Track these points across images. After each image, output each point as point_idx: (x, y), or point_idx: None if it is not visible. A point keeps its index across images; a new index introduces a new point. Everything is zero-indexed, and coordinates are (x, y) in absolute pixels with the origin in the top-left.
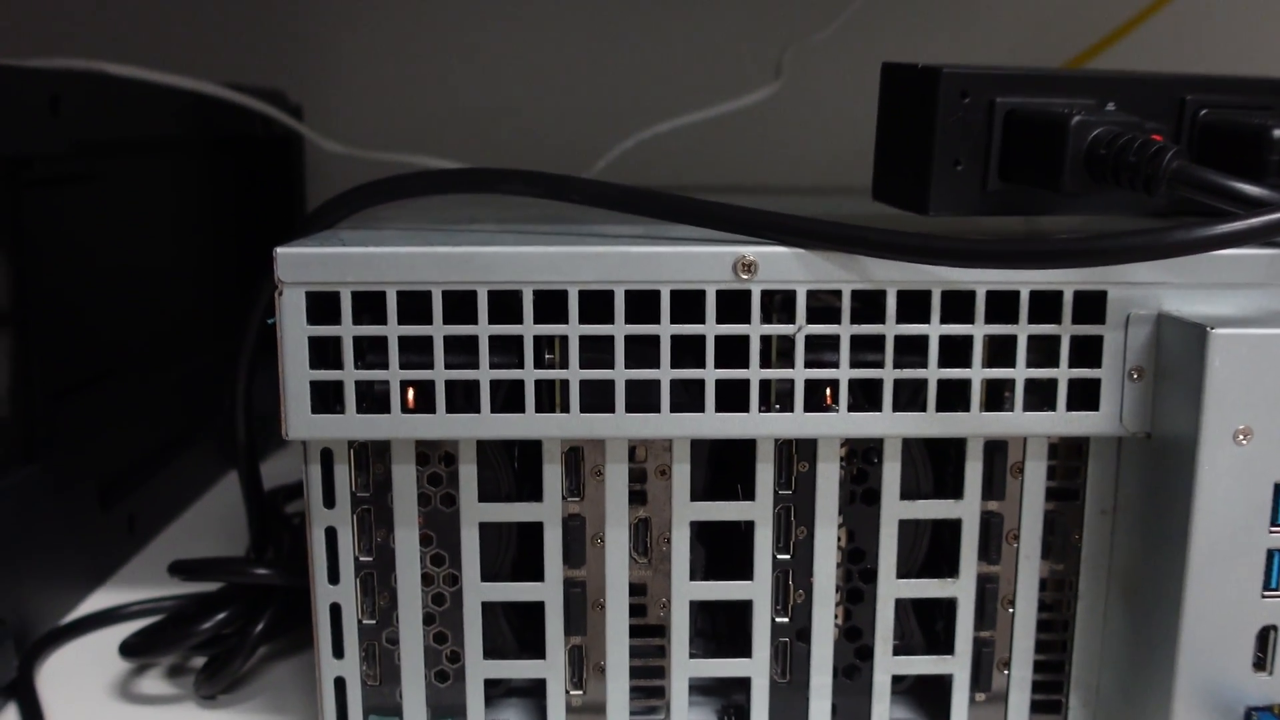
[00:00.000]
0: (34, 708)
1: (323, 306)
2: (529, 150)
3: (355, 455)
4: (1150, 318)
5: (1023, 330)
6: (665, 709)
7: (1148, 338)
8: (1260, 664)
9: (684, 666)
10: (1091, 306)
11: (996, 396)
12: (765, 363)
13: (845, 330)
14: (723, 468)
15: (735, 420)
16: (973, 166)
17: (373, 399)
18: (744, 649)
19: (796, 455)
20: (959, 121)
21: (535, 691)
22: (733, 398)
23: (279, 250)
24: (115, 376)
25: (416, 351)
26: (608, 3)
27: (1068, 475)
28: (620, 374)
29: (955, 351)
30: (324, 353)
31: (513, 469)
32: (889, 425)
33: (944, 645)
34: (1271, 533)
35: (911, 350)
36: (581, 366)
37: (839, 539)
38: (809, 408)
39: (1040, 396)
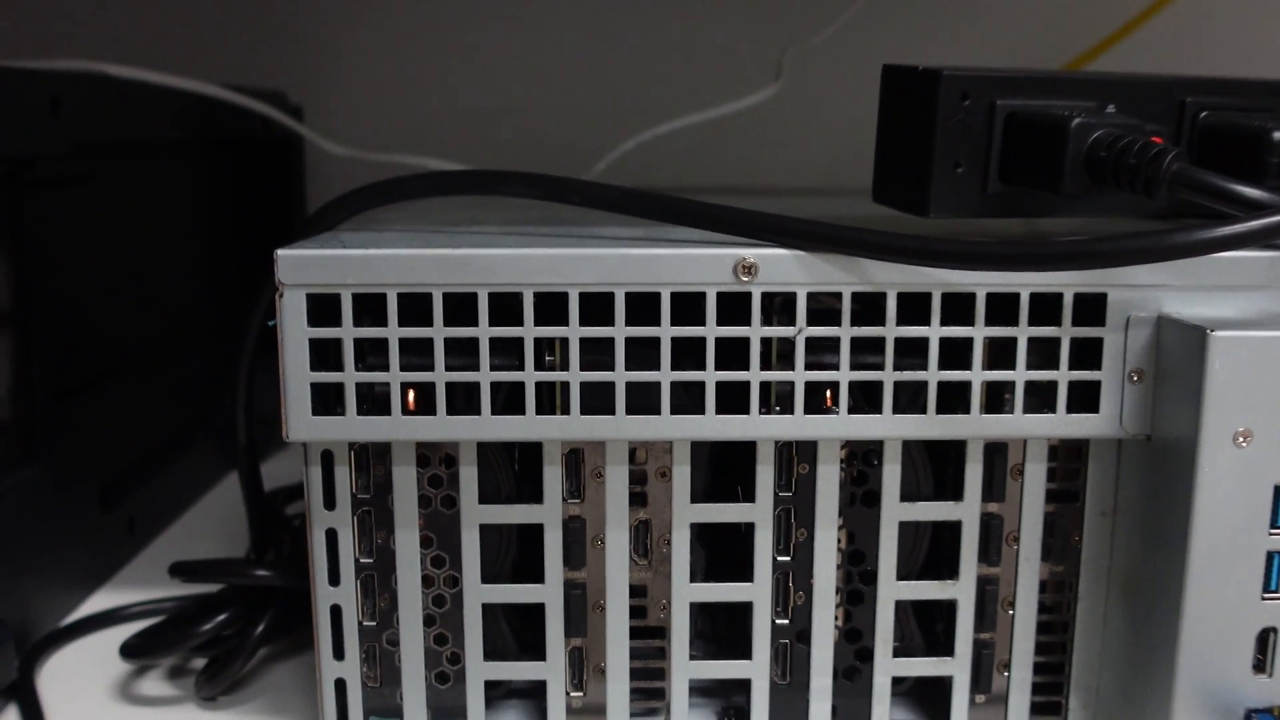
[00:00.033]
0: (34, 709)
1: (323, 308)
2: (529, 151)
3: (356, 457)
4: (1150, 320)
5: (1023, 332)
6: (665, 710)
7: (1148, 340)
8: (1260, 666)
9: (684, 668)
10: (1091, 309)
11: (996, 399)
12: (765, 365)
13: (845, 332)
14: (723, 470)
15: (735, 422)
16: (973, 169)
17: (373, 401)
18: (744, 651)
19: (797, 457)
20: (959, 124)
21: (535, 693)
22: (733, 400)
23: (279, 252)
24: (116, 377)
25: (417, 353)
26: (608, 4)
27: (1068, 477)
28: (620, 376)
29: (955, 354)
30: (324, 355)
31: (513, 471)
32: (889, 427)
33: (944, 647)
34: (1271, 535)
35: (912, 352)
36: (582, 368)
37: (839, 541)
38: (809, 410)
39: (1040, 399)
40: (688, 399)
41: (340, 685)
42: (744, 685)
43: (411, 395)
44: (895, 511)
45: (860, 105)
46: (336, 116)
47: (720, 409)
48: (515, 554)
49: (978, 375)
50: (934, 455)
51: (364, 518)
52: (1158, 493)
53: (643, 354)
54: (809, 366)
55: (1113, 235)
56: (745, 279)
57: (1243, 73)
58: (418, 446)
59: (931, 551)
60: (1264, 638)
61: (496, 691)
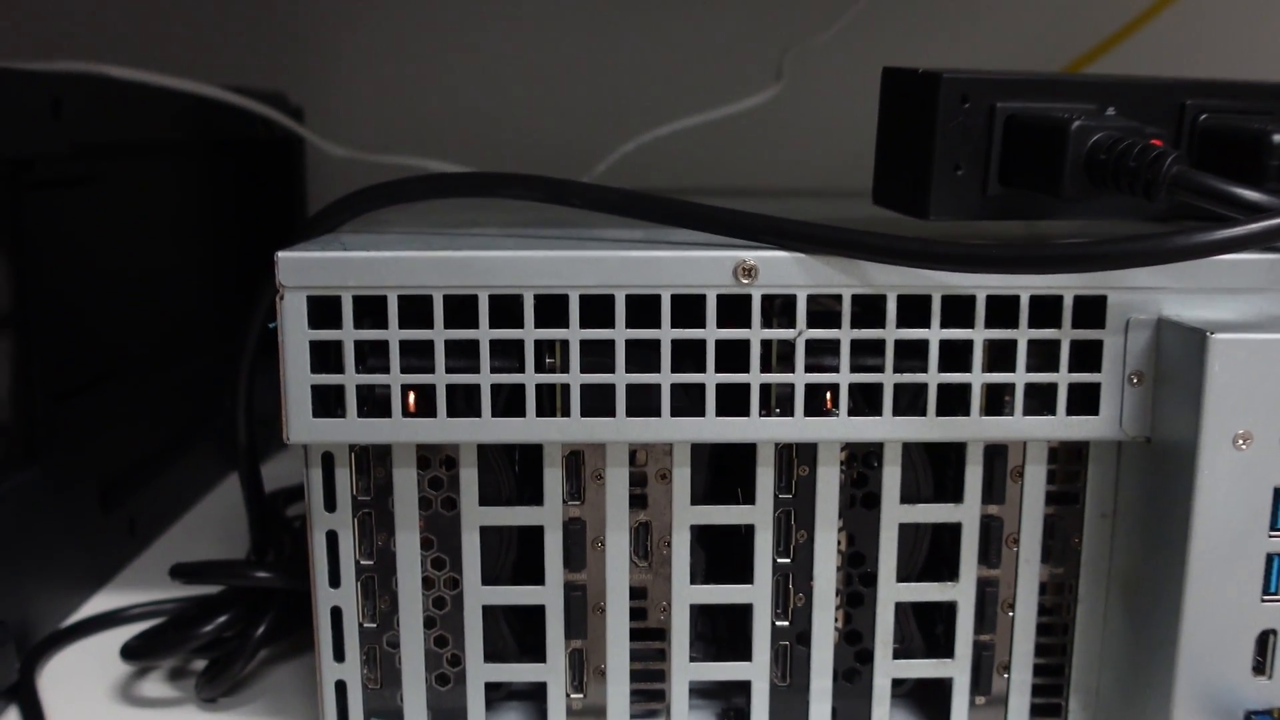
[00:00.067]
0: (35, 711)
1: (324, 310)
2: (530, 152)
3: (356, 459)
4: (1150, 322)
5: (1023, 335)
6: (665, 712)
7: (1147, 342)
8: (1260, 668)
9: (684, 670)
10: (1091, 311)
11: (996, 401)
12: (765, 367)
13: (845, 335)
14: (723, 472)
15: (736, 424)
16: (973, 171)
17: (374, 403)
18: (744, 652)
19: (797, 459)
20: (959, 126)
21: (536, 695)
22: (733, 402)
23: (280, 254)
24: (116, 379)
25: (417, 355)
26: (609, 5)
27: (1068, 479)
28: (621, 378)
29: (955, 356)
30: (325, 357)
31: (513, 473)
32: (889, 430)
33: (944, 648)
34: (1271, 537)
35: (912, 355)
36: (582, 371)
37: (839, 543)
38: (809, 412)
39: (1040, 401)
40: (688, 401)
41: (341, 687)
42: (744, 687)
43: (412, 397)
44: (895, 513)
45: (860, 107)
46: (337, 118)
47: (720, 411)
48: (516, 556)
49: (978, 377)
50: (934, 457)
51: (364, 520)
52: (1158, 495)
53: (643, 356)
54: (809, 369)
55: (1113, 238)
56: (745, 281)
57: (1242, 75)
58: (418, 448)
59: (931, 553)
60: (1263, 640)
61: (497, 693)
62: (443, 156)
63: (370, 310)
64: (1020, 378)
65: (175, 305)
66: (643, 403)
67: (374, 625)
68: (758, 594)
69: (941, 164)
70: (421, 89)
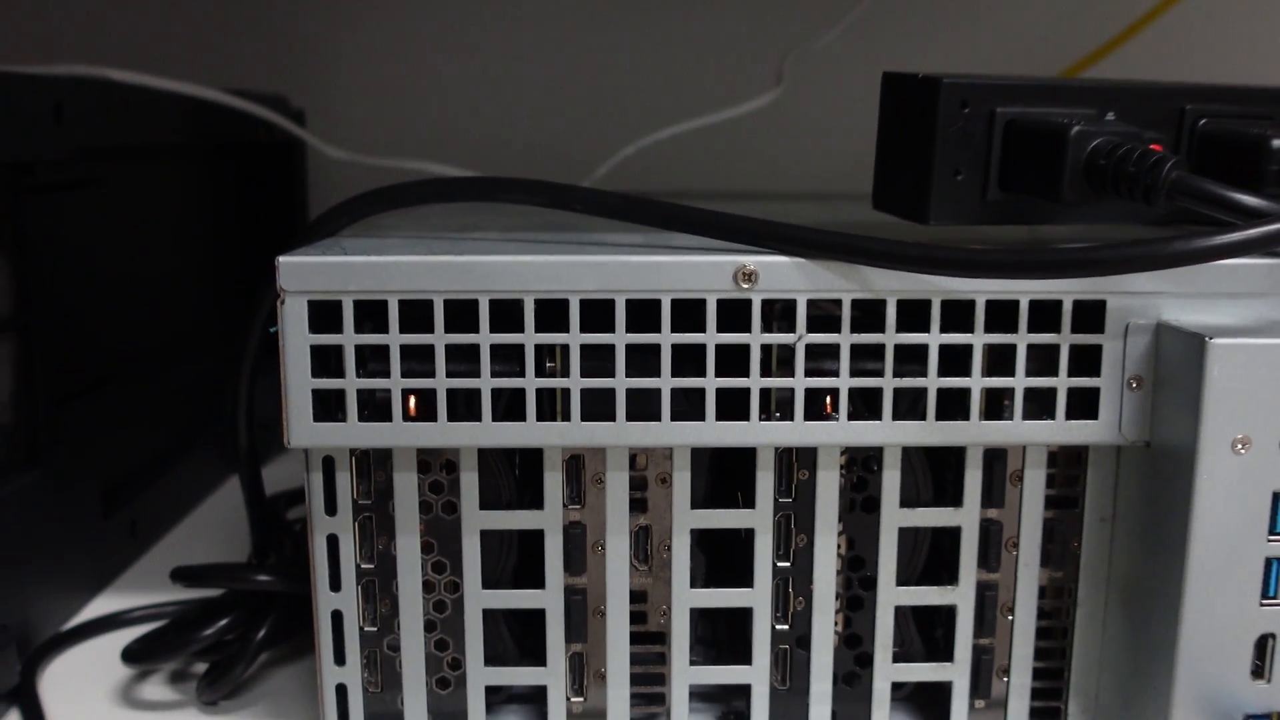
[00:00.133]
0: (36, 714)
1: (325, 315)
2: (531, 156)
3: (357, 463)
4: (1149, 327)
5: (1022, 339)
6: (666, 716)
7: (1147, 347)
8: (1258, 672)
9: (684, 674)
10: (1091, 316)
11: (996, 405)
12: (765, 371)
13: (845, 339)
14: (723, 475)
15: (735, 429)
16: (973, 176)
17: (374, 407)
18: (744, 656)
19: (796, 463)
20: (959, 131)
21: (536, 698)
22: (733, 406)
23: (281, 259)
24: (117, 382)
25: (418, 360)
26: (609, 8)
27: (1067, 483)
28: (621, 383)
29: (955, 360)
30: (326, 361)
31: (514, 477)
32: (889, 434)
33: (944, 652)
34: (1270, 541)
35: (911, 359)
36: (582, 375)
37: (839, 547)
38: (809, 416)
39: (1039, 405)
40: (688, 405)
41: (341, 690)
42: (744, 690)
43: (412, 401)
44: (895, 517)
45: (860, 111)
46: (338, 121)
47: (720, 415)
48: (516, 560)
49: (977, 382)
50: (933, 461)
51: (365, 523)
52: (1157, 499)
53: (643, 361)
54: (809, 373)
55: (1112, 243)
56: (745, 286)
57: (1242, 79)
58: (419, 452)
59: (931, 557)
60: (1262, 644)
61: (497, 697)
62: (443, 159)
63: (371, 315)
64: (1020, 382)
65: (176, 308)
66: (643, 407)
67: (374, 629)
68: (758, 598)
69: (941, 169)
70: (422, 92)
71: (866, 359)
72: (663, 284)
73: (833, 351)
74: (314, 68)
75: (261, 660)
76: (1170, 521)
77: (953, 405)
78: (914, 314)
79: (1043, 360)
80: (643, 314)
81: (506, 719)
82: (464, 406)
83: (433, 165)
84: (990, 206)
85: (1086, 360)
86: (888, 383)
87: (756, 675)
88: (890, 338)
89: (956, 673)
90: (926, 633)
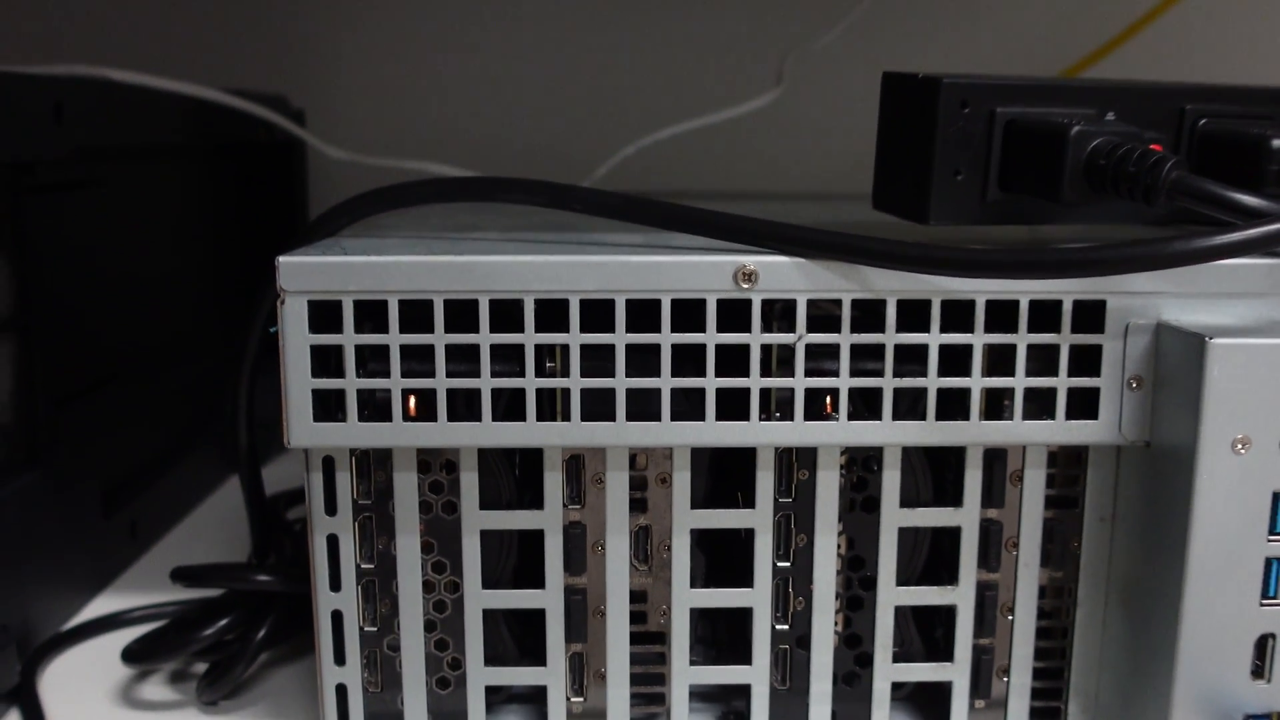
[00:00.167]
0: (36, 714)
1: (325, 315)
2: (531, 155)
3: (357, 463)
4: (1149, 327)
5: (1022, 339)
6: (666, 716)
7: (1146, 347)
8: (1258, 672)
9: (684, 674)
10: (1090, 316)
11: (996, 405)
12: (765, 371)
13: (845, 339)
14: (723, 475)
15: (735, 429)
16: (973, 176)
17: (374, 407)
18: (744, 656)
19: (796, 463)
20: (959, 131)
21: (536, 698)
22: (733, 406)
23: (281, 259)
24: (117, 382)
25: (418, 360)
26: (610, 8)
27: (1067, 483)
28: (621, 383)
29: (955, 360)
30: (326, 361)
31: (514, 477)
32: (889, 434)
33: (944, 652)
34: (1270, 541)
35: (911, 359)
36: (582, 375)
37: (839, 546)
38: (809, 416)
39: (1039, 405)
40: (688, 405)
41: (341, 690)
42: (744, 690)
43: (412, 401)
44: (895, 517)
45: (860, 111)
46: (338, 121)
47: (720, 415)
48: (516, 560)
49: (977, 382)
50: (933, 461)
51: (365, 523)
52: (1157, 499)
53: (643, 360)
54: (809, 373)
55: (1112, 243)
56: (745, 286)
57: (1242, 79)
58: (419, 452)
59: (931, 557)
60: (1262, 644)
61: (497, 697)
62: (443, 159)
63: (371, 315)
64: (1020, 382)
65: (176, 308)
66: (643, 407)
67: (374, 629)
68: (758, 598)
69: (941, 169)
70: (422, 92)
71: (866, 359)
72: (663, 284)
73: (833, 351)
74: (314, 68)
75: (261, 660)
76: (1170, 521)
77: (953, 405)
78: (914, 314)
79: (1043, 360)
80: (643, 314)
81: (506, 719)
82: (464, 406)
83: (433, 165)
84: (990, 206)
85: (1086, 360)
86: (888, 383)
87: (756, 675)
88: (890, 338)
89: (956, 673)
90: (926, 633)
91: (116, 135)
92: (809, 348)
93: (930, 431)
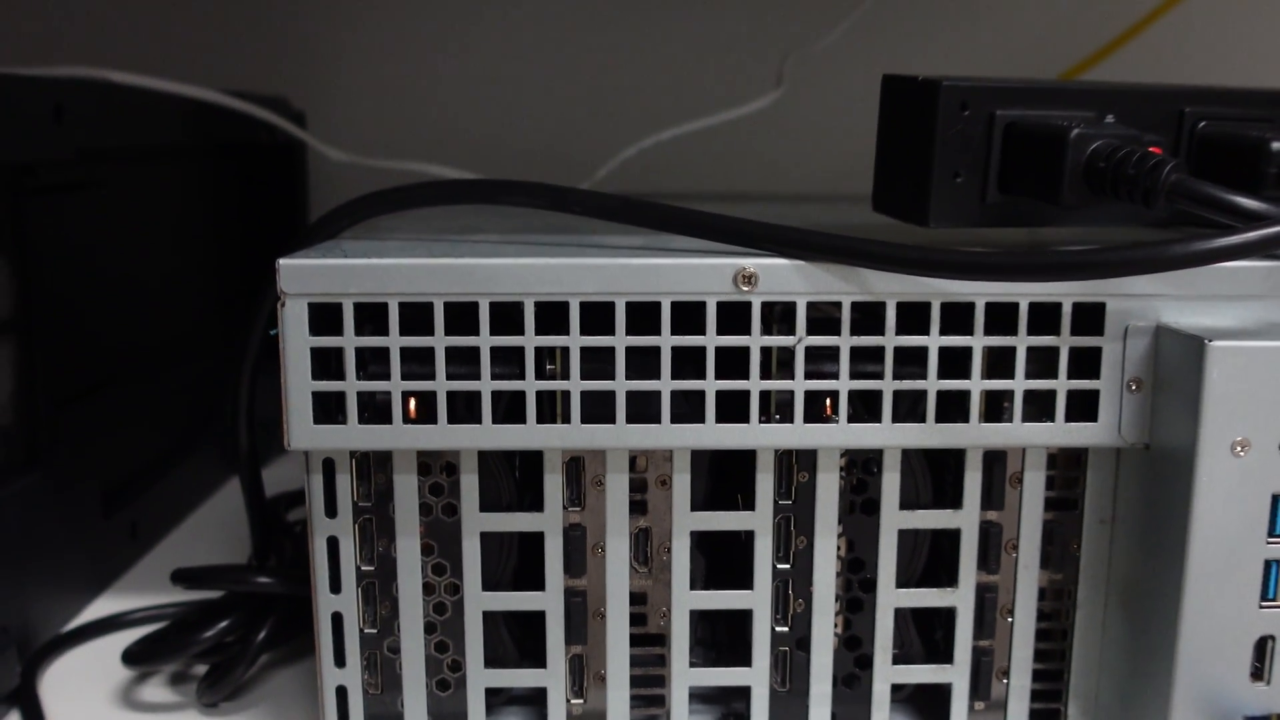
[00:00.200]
0: (37, 716)
1: (325, 317)
2: (531, 157)
3: (357, 465)
4: (1149, 329)
5: (1022, 342)
6: (666, 717)
7: (1146, 349)
8: (1258, 674)
9: (684, 675)
10: (1090, 318)
11: (996, 407)
12: (765, 374)
13: (845, 342)
14: (723, 478)
15: (735, 431)
16: (972, 179)
17: (374, 409)
18: (744, 658)
19: (796, 465)
20: (959, 134)
21: (536, 700)
22: (733, 408)
23: (281, 262)
24: (118, 383)
25: (418, 362)
26: (610, 9)
27: (1066, 485)
28: (621, 385)
29: (954, 363)
30: (326, 363)
31: (514, 479)
32: (888, 436)
33: (943, 654)
34: (1269, 543)
35: (911, 361)
36: (582, 377)
37: (839, 548)
38: (809, 418)
39: (1039, 407)
40: (688, 407)
41: (341, 692)
42: (744, 692)
43: (413, 404)
44: (895, 519)
45: (861, 112)
46: (339, 122)
47: (720, 418)
48: (516, 562)
49: (977, 384)
50: (933, 463)
51: (365, 525)
52: (1156, 501)
53: (643, 363)
54: (809, 375)
55: (1111, 246)
56: (745, 289)
57: (1241, 82)
58: (419, 455)
59: (931, 559)
60: (1261, 645)
61: (497, 699)
62: (444, 161)
63: (371, 317)
64: (1019, 384)
65: (177, 309)
66: (643, 409)
67: (374, 631)
68: (757, 599)
69: (941, 171)
70: (423, 94)
71: (866, 361)
72: (663, 286)
73: (832, 354)
74: (315, 69)
75: (262, 662)
76: (1170, 523)
77: (952, 407)
78: (914, 316)
79: (1042, 362)
80: (643, 316)
81: None
82: (464, 409)
83: (433, 167)
84: (990, 209)
85: (1086, 362)
86: (887, 385)
87: (756, 677)
88: (890, 340)
89: (956, 674)
90: (926, 634)
91: (117, 136)
92: (809, 350)
93: (930, 434)
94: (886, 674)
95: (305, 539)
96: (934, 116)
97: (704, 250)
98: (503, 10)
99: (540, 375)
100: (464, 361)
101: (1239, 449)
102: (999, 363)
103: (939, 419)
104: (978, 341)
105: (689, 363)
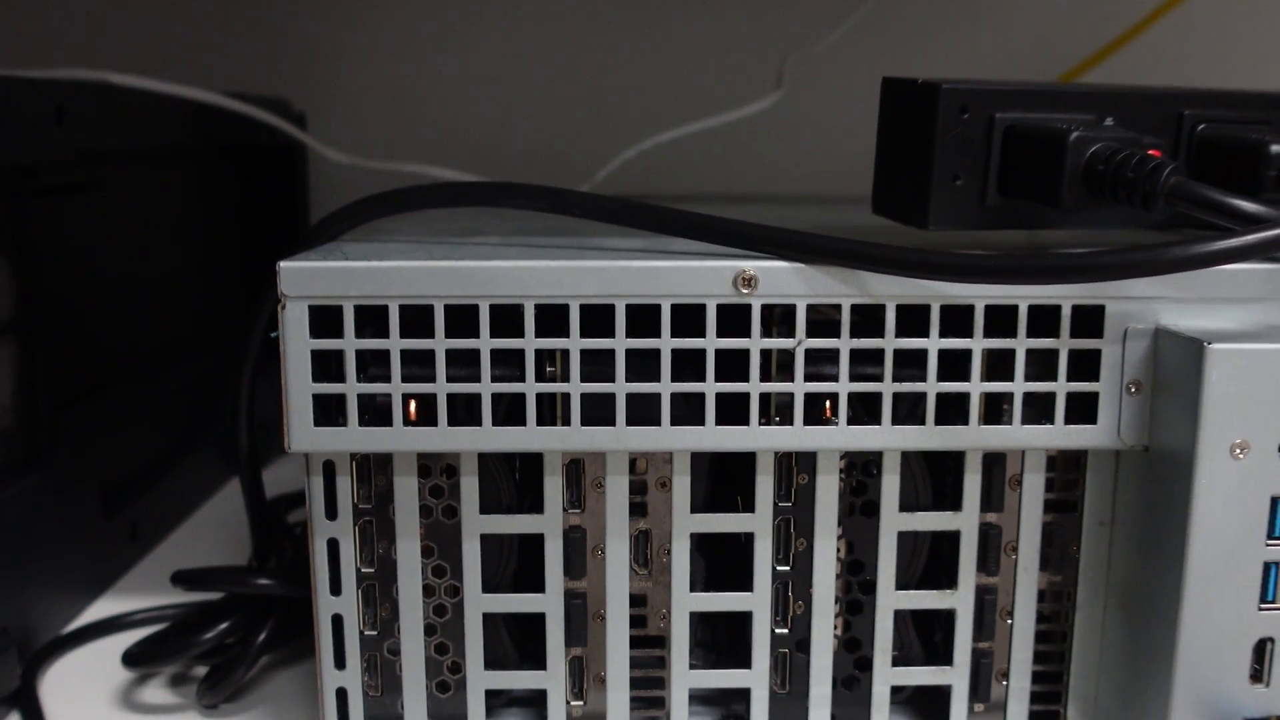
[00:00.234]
0: (37, 717)
1: (325, 320)
2: (532, 159)
3: (357, 467)
4: (1148, 332)
5: (1021, 344)
6: (665, 719)
7: (1145, 352)
8: (1257, 676)
9: (684, 677)
10: (1089, 321)
11: (995, 410)
12: (765, 376)
13: (845, 344)
14: (723, 480)
15: (735, 433)
16: (972, 181)
17: (375, 412)
18: (744, 660)
19: (796, 468)
20: (958, 137)
21: (536, 702)
22: (733, 411)
23: (282, 264)
24: (118, 384)
25: (418, 365)
26: (610, 10)
27: (1066, 487)
28: (621, 387)
29: (954, 365)
30: (326, 366)
31: (514, 481)
32: (888, 438)
33: (943, 656)
34: (1268, 545)
35: (911, 364)
36: (582, 380)
37: (838, 550)
38: (808, 421)
39: (1038, 410)
40: (688, 410)
41: (341, 694)
42: (744, 694)
43: (413, 406)
44: (894, 521)
45: (861, 114)
46: (339, 123)
47: (720, 420)
48: (516, 564)
49: (976, 386)
50: (933, 466)
51: (365, 528)
52: (1155, 503)
53: (643, 365)
54: (808, 378)
55: (1111, 249)
56: (745, 291)
57: (1240, 84)
58: (419, 457)
59: (930, 561)
60: (1261, 648)
61: (497, 700)
62: (444, 162)
63: (372, 319)
64: (1019, 387)
65: (177, 310)
66: (643, 411)
67: (375, 633)
68: (757, 601)
69: (941, 174)
70: (423, 95)
71: (866, 364)
72: (662, 289)
73: (832, 356)
74: (315, 70)
75: (262, 664)
76: (1169, 526)
77: (952, 410)
78: (913, 319)
79: (1041, 365)
80: (642, 319)
81: None
82: (464, 411)
83: (433, 168)
84: (989, 212)
85: (1085, 365)
86: (887, 387)
87: (756, 679)
88: (890, 342)
89: (956, 676)
90: (926, 636)
91: (117, 138)
92: (808, 352)
93: (929, 436)
94: (886, 676)
95: (305, 540)
96: (934, 119)
97: (704, 253)
98: (503, 10)
99: (540, 377)
100: (464, 364)
101: (1238, 451)
102: (998, 365)
103: (939, 421)
104: (977, 344)
105: (689, 365)
